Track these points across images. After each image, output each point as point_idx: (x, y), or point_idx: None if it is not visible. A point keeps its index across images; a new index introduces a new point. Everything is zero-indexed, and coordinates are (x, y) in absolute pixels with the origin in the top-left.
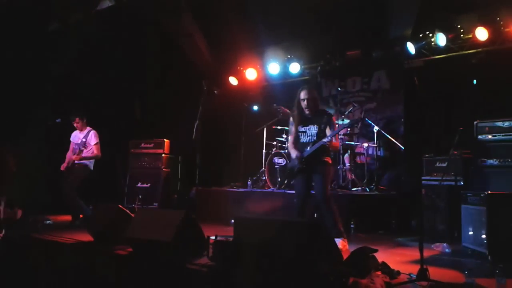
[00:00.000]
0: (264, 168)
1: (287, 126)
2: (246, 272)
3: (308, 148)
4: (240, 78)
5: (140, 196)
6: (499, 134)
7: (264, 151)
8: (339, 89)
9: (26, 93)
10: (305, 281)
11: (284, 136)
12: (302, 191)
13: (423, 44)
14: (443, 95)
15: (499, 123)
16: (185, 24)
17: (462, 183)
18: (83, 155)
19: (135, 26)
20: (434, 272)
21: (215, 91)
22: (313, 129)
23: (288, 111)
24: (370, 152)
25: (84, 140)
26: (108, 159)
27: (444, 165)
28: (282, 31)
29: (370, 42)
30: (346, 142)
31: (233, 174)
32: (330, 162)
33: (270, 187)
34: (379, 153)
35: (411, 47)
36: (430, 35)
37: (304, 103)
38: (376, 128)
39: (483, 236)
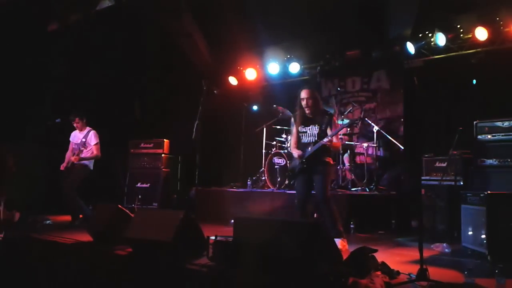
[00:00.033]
0: (264, 168)
1: (287, 126)
2: (246, 272)
3: (309, 148)
4: (240, 78)
5: (139, 196)
6: (498, 134)
7: (263, 151)
8: (339, 89)
9: (26, 93)
10: (305, 281)
11: (284, 136)
12: (303, 191)
13: (423, 44)
14: (443, 95)
15: (499, 123)
16: (185, 24)
17: (461, 183)
18: (83, 155)
19: (135, 26)
20: (434, 272)
21: (215, 91)
22: (314, 129)
23: (282, 109)
24: (370, 152)
25: (84, 140)
26: (108, 159)
27: (444, 165)
28: (281, 31)
29: (370, 42)
30: (346, 142)
31: (233, 174)
32: (332, 162)
33: (269, 187)
34: (379, 153)
35: (410, 47)
36: (430, 35)
37: (303, 103)
38: (375, 128)
39: (483, 236)
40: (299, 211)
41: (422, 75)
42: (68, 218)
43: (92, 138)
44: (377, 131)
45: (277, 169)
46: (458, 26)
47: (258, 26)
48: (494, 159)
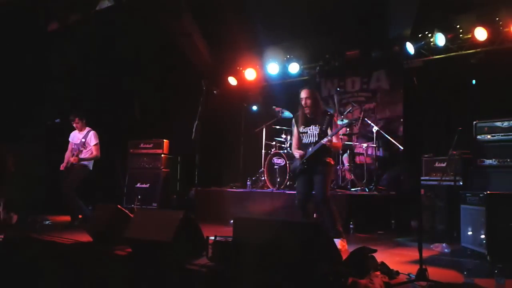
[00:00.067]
0: (263, 168)
1: (286, 126)
2: (245, 273)
3: (310, 148)
4: (240, 78)
5: (139, 196)
6: (498, 134)
7: (263, 151)
8: (338, 89)
9: (26, 93)
10: (305, 281)
11: (283, 136)
12: (303, 191)
13: (422, 44)
14: (443, 95)
15: (498, 123)
16: (185, 24)
17: (461, 183)
18: (82, 156)
19: (135, 26)
20: (433, 272)
21: (215, 91)
22: (314, 130)
23: (279, 109)
24: (369, 152)
25: (83, 140)
26: (108, 159)
27: (443, 165)
28: (281, 31)
29: (369, 42)
30: (346, 142)
31: (233, 174)
32: (332, 162)
33: (269, 187)
34: (378, 153)
35: (410, 47)
36: (429, 35)
37: (303, 102)
38: (375, 128)
39: (482, 236)
40: (301, 211)
41: (422, 75)
42: (67, 218)
43: (92, 139)
44: (377, 131)
45: (277, 169)
46: (458, 26)
47: (258, 26)
48: (493, 159)
